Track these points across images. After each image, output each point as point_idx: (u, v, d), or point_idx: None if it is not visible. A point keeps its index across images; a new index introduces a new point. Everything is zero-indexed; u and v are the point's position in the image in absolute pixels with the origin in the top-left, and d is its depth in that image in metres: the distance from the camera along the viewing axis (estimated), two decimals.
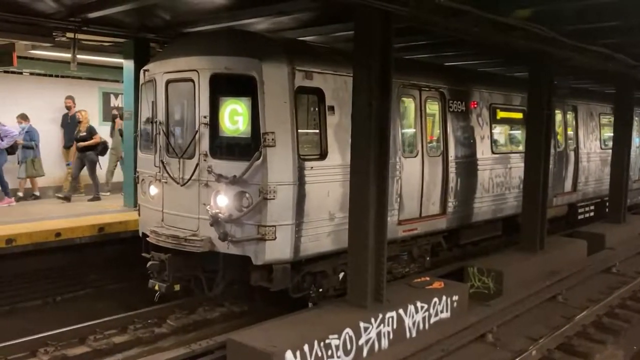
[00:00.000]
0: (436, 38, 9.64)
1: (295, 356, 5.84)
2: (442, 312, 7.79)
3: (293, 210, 7.07)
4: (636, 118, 16.04)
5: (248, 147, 7.07)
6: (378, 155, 6.93)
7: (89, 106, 14.21)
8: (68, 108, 13.87)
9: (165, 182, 7.72)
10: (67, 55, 10.47)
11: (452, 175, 9.69)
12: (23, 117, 12.78)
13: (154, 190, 7.98)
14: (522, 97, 11.27)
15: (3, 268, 9.14)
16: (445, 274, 9.48)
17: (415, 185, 9.04)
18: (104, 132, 14.32)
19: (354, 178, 7.04)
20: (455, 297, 8.01)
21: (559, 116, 12.98)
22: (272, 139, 6.87)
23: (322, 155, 7.46)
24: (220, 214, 7.04)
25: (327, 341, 6.19)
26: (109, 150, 13.80)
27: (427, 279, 8.35)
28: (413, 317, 7.31)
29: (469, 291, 8.66)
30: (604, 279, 10.73)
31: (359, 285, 7.06)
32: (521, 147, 11.30)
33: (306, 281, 7.75)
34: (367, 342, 6.67)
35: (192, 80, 7.32)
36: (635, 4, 7.09)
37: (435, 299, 7.68)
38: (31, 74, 13.73)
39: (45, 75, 13.93)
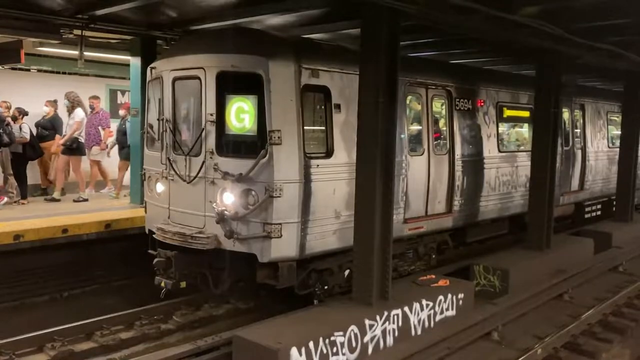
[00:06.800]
0: (443, 36, 9.59)
1: (300, 353, 5.86)
2: (447, 310, 7.79)
3: (299, 208, 7.07)
4: None
5: (254, 145, 7.08)
6: (384, 154, 6.93)
7: None
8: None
9: (172, 180, 7.74)
10: (74, 53, 10.49)
11: (458, 173, 9.67)
12: None
13: (160, 187, 8.00)
14: (529, 95, 11.22)
15: (11, 264, 9.20)
16: (451, 272, 9.45)
17: (422, 183, 9.02)
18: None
19: (360, 176, 7.04)
20: (460, 295, 8.01)
21: (566, 114, 12.91)
22: (279, 137, 6.88)
23: (328, 153, 7.46)
24: (226, 212, 7.06)
25: (332, 338, 6.21)
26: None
27: (433, 276, 8.35)
28: (418, 314, 7.32)
29: (475, 289, 8.65)
30: (611, 278, 10.71)
31: (365, 282, 7.07)
32: (528, 146, 11.26)
33: (312, 278, 7.76)
34: (372, 339, 6.68)
35: (199, 78, 7.32)
36: None
37: (441, 297, 7.68)
38: (39, 70, 13.80)
39: (52, 72, 13.98)
